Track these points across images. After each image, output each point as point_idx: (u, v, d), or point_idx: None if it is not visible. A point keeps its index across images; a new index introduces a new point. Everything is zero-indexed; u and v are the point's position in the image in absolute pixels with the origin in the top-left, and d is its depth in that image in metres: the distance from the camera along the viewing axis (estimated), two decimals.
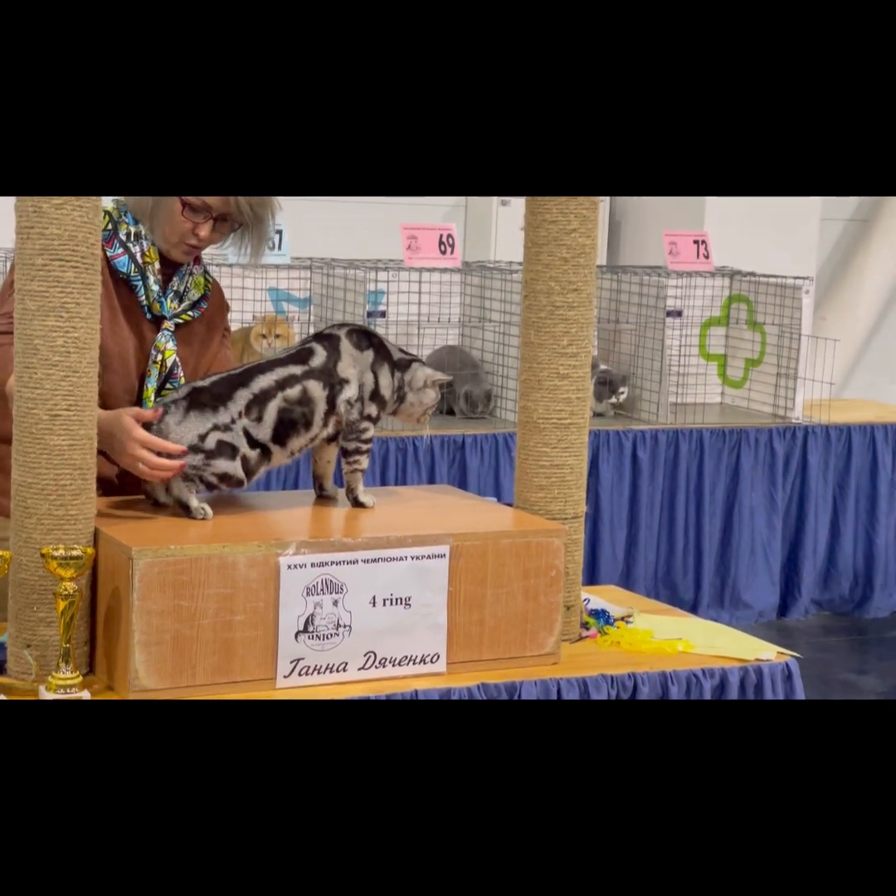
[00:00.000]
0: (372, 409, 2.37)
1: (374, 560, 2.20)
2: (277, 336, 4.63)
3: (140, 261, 2.47)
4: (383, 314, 4.80)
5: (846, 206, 6.85)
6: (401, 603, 2.22)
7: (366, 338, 2.38)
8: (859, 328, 6.63)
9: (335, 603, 2.18)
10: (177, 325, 2.52)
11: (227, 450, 2.25)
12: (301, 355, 2.34)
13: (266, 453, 2.30)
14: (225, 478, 2.27)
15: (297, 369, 2.32)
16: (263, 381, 2.29)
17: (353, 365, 2.34)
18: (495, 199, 6.14)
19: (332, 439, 2.39)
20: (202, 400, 2.26)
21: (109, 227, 2.46)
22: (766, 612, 5.23)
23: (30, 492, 2.09)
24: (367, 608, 2.20)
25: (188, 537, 2.15)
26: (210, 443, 2.25)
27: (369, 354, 2.36)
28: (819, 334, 5.48)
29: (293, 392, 2.30)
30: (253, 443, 2.28)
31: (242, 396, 2.27)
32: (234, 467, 2.26)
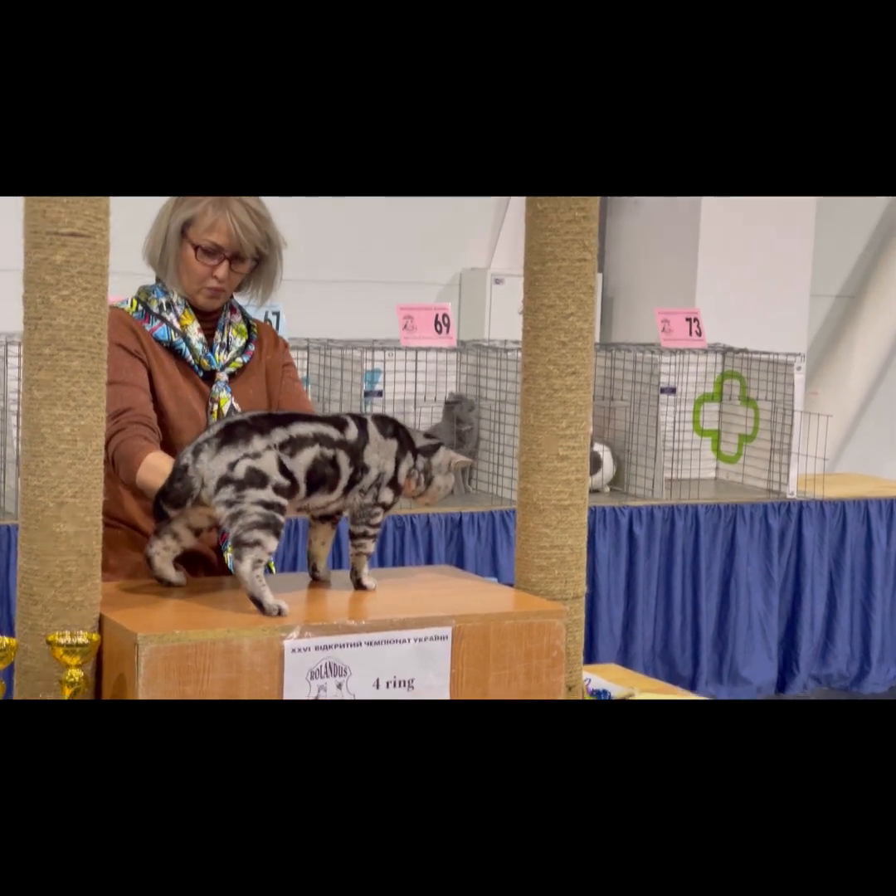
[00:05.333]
0: (387, 496, 2.37)
1: (378, 643, 2.21)
2: None
3: (178, 326, 2.59)
4: (380, 393, 4.84)
5: (835, 282, 6.93)
6: (404, 685, 2.23)
7: (391, 425, 2.39)
8: (851, 402, 6.68)
9: (339, 686, 2.18)
10: (231, 374, 2.61)
11: (257, 478, 2.20)
12: (337, 422, 2.33)
13: (294, 489, 2.25)
14: (267, 505, 2.20)
15: (334, 433, 2.30)
16: (302, 428, 2.27)
17: (377, 451, 2.35)
18: (489, 279, 6.20)
19: (328, 518, 2.40)
20: (237, 432, 2.22)
21: (140, 307, 2.58)
22: (765, 687, 5.23)
23: (36, 579, 2.11)
24: (371, 691, 2.21)
25: (193, 622, 2.17)
26: (239, 471, 2.20)
27: (393, 443, 2.37)
28: (811, 409, 5.52)
29: (328, 452, 2.29)
30: (285, 472, 2.24)
31: (279, 434, 2.24)
32: (268, 493, 2.21)
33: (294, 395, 2.69)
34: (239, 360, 2.64)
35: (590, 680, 2.63)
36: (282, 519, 2.23)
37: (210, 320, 2.64)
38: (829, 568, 5.31)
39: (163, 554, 2.31)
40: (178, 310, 2.60)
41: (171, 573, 2.33)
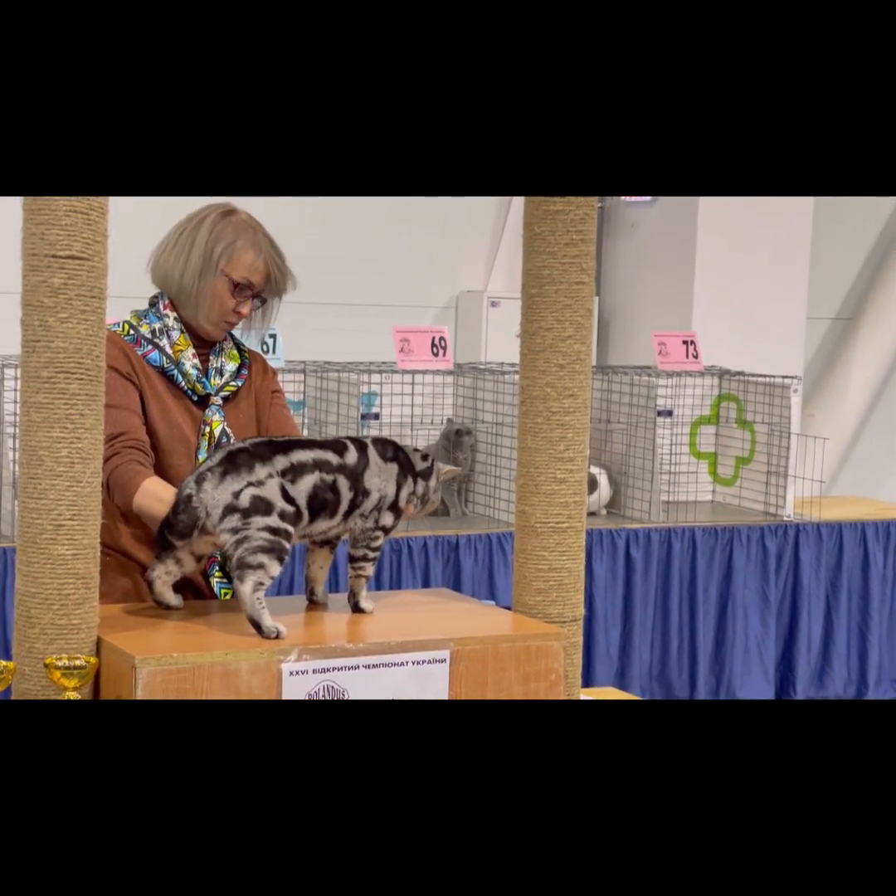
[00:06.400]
0: (387, 520, 2.39)
1: (376, 666, 2.21)
2: None
3: (171, 352, 2.59)
4: (377, 416, 4.85)
5: (831, 305, 6.95)
6: None
7: (391, 448, 2.39)
8: (847, 425, 6.69)
9: None
10: (224, 398, 2.63)
11: (262, 505, 2.21)
12: (336, 446, 2.33)
13: (297, 516, 2.26)
14: (272, 531, 2.21)
15: (333, 458, 2.31)
16: (302, 455, 2.28)
17: (377, 475, 2.35)
18: (485, 301, 6.21)
19: (327, 543, 2.41)
20: (239, 460, 2.23)
21: (131, 332, 2.59)
22: None
23: (33, 601, 2.10)
24: None
25: (191, 644, 2.16)
26: (244, 500, 2.21)
27: (394, 467, 2.38)
28: (807, 431, 5.53)
29: (328, 477, 2.29)
30: (288, 499, 2.25)
31: (280, 461, 2.25)
32: (274, 519, 2.22)
33: (282, 421, 2.72)
34: (232, 384, 2.66)
35: None
36: (287, 545, 2.24)
37: (205, 347, 2.65)
38: (825, 590, 5.31)
39: (164, 578, 2.31)
40: (173, 335, 2.60)
41: (171, 597, 2.33)
